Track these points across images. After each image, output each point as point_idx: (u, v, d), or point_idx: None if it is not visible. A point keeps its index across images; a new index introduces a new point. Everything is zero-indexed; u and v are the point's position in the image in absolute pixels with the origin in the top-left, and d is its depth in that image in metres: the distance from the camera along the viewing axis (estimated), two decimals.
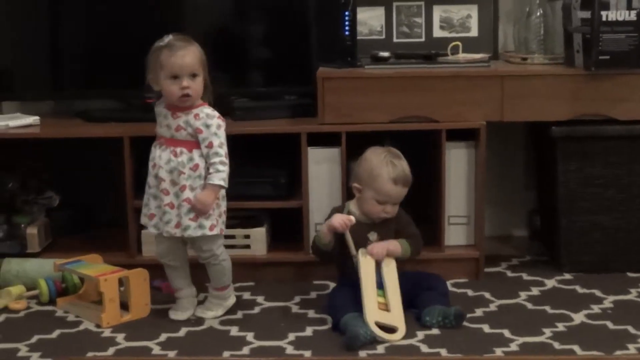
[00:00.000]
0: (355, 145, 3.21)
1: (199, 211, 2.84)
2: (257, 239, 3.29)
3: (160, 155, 2.87)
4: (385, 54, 3.32)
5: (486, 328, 2.84)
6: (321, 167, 3.24)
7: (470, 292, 3.16)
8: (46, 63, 3.56)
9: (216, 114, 2.88)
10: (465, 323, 2.86)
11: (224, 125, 2.88)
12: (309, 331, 2.85)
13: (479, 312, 2.97)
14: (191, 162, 2.84)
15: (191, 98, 2.84)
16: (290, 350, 2.71)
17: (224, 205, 2.95)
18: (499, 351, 2.67)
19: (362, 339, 2.70)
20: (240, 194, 3.25)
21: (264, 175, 3.29)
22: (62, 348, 2.75)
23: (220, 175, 2.83)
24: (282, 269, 3.29)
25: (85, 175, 3.63)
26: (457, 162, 3.26)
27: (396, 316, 2.80)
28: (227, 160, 2.85)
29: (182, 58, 2.80)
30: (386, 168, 2.94)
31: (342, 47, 3.30)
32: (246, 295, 3.17)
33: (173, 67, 2.80)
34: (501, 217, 3.75)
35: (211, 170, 2.84)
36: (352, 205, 3.02)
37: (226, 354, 2.69)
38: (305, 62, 3.42)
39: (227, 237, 3.27)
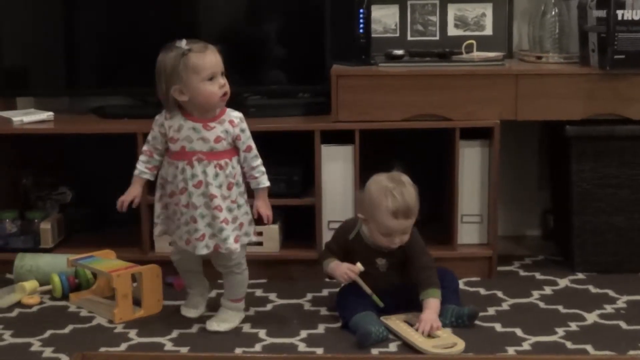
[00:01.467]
0: (368, 143, 3.22)
1: (269, 218, 2.83)
2: (270, 236, 3.29)
3: (205, 172, 2.74)
4: (400, 52, 3.32)
5: (498, 327, 2.84)
6: (335, 164, 3.24)
7: (482, 291, 3.15)
8: (61, 59, 3.57)
9: (241, 114, 2.83)
10: (477, 322, 2.85)
11: None
12: (321, 329, 2.85)
13: (491, 311, 2.96)
14: (233, 170, 2.78)
15: (227, 96, 2.76)
16: (302, 347, 2.71)
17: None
18: (511, 350, 2.66)
19: (374, 336, 2.70)
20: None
21: (277, 173, 3.27)
22: (74, 343, 2.75)
23: (266, 176, 2.82)
24: (294, 267, 3.29)
25: (98, 172, 3.64)
26: (470, 161, 3.25)
27: (448, 337, 2.72)
28: None
29: (215, 56, 2.72)
30: (385, 200, 2.79)
31: (357, 45, 3.29)
32: (258, 293, 3.17)
33: (210, 67, 2.70)
34: (514, 216, 3.74)
35: (256, 174, 2.80)
36: (365, 225, 2.93)
37: (238, 350, 2.69)
38: (319, 59, 3.42)
39: None
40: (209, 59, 2.71)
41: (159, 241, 3.27)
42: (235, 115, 2.80)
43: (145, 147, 2.85)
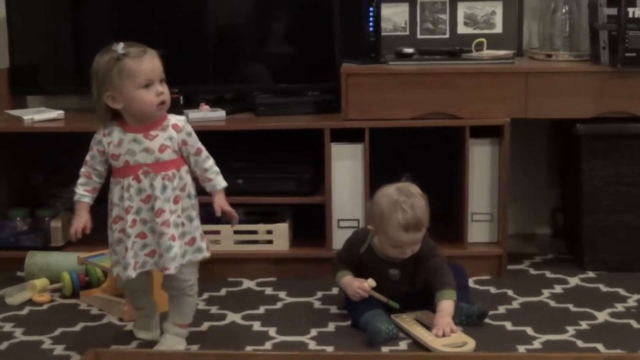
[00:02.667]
0: (378, 142, 3.21)
1: (232, 215, 2.66)
2: (280, 234, 3.29)
3: (152, 185, 2.54)
4: (409, 50, 3.32)
5: (509, 325, 2.83)
6: (344, 163, 3.23)
7: (493, 290, 3.14)
8: (70, 58, 3.58)
9: (184, 117, 2.66)
10: (487, 320, 2.84)
11: None
12: (331, 327, 2.85)
13: (501, 309, 2.96)
14: (181, 181, 2.58)
15: (166, 105, 2.55)
16: (312, 345, 2.71)
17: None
18: (522, 349, 2.66)
19: (384, 334, 2.69)
20: (263, 189, 3.26)
21: (287, 171, 3.29)
22: (85, 341, 2.76)
23: (222, 177, 2.64)
24: (304, 265, 3.29)
25: (108, 170, 3.64)
26: (480, 159, 3.25)
27: (459, 336, 2.71)
28: None
29: (152, 62, 2.51)
30: (395, 215, 2.75)
31: (366, 43, 3.29)
32: (268, 291, 3.17)
33: (146, 73, 2.49)
34: (524, 214, 3.74)
35: (211, 175, 2.62)
36: (375, 236, 2.90)
37: (249, 348, 2.69)
38: (329, 58, 3.42)
39: (249, 232, 3.29)
40: (146, 64, 2.50)
41: None
42: (179, 118, 2.60)
43: (82, 169, 2.64)
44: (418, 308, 2.86)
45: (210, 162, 2.62)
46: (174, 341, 2.68)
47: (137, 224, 2.56)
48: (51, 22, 3.52)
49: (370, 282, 2.82)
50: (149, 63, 2.51)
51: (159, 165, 2.55)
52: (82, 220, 2.62)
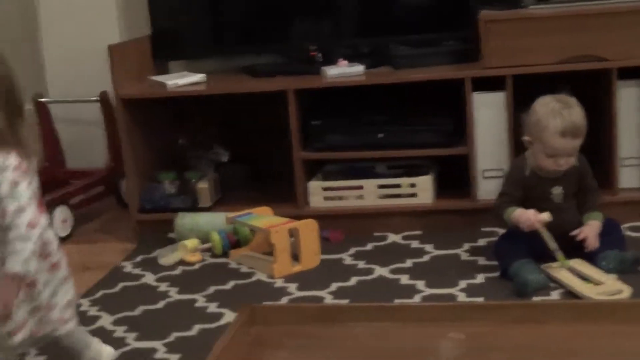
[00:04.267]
0: (521, 90, 3.13)
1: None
2: (424, 187, 3.26)
3: None
4: None
5: None
6: (487, 112, 3.17)
7: None
8: (210, 21, 3.63)
9: (12, 162, 1.97)
10: None
11: (26, 178, 1.98)
12: (479, 278, 2.82)
13: None
14: None
15: None
16: (462, 297, 2.69)
17: (46, 294, 2.10)
18: None
19: (532, 284, 2.64)
20: (405, 142, 3.24)
21: (428, 123, 3.26)
22: (237, 298, 2.81)
23: (20, 258, 1.94)
24: (449, 217, 3.26)
25: (252, 130, 3.69)
26: (629, 102, 3.13)
27: (613, 284, 2.64)
28: (31, 233, 1.96)
29: None
30: (553, 120, 2.75)
31: None
32: (414, 244, 3.16)
33: None
34: None
35: (8, 250, 1.96)
36: (532, 157, 2.88)
37: (397, 302, 2.69)
38: (463, 4, 3.36)
39: (392, 186, 3.28)
40: None
41: (314, 195, 3.31)
42: None
43: None
44: (570, 257, 2.80)
45: (13, 233, 1.96)
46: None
47: None
48: None
49: (546, 216, 2.75)
50: None
51: None
52: None
